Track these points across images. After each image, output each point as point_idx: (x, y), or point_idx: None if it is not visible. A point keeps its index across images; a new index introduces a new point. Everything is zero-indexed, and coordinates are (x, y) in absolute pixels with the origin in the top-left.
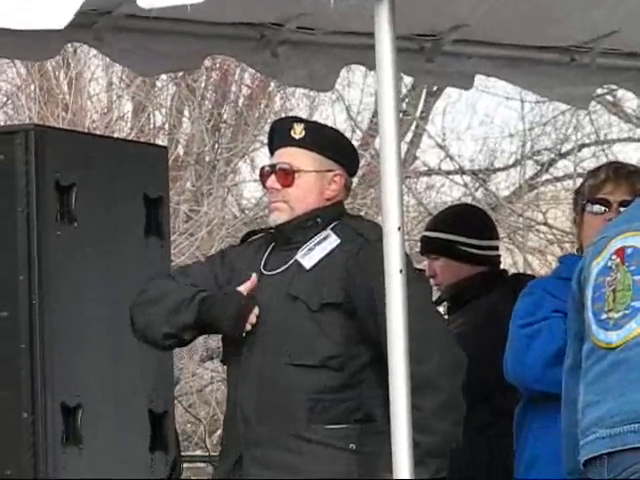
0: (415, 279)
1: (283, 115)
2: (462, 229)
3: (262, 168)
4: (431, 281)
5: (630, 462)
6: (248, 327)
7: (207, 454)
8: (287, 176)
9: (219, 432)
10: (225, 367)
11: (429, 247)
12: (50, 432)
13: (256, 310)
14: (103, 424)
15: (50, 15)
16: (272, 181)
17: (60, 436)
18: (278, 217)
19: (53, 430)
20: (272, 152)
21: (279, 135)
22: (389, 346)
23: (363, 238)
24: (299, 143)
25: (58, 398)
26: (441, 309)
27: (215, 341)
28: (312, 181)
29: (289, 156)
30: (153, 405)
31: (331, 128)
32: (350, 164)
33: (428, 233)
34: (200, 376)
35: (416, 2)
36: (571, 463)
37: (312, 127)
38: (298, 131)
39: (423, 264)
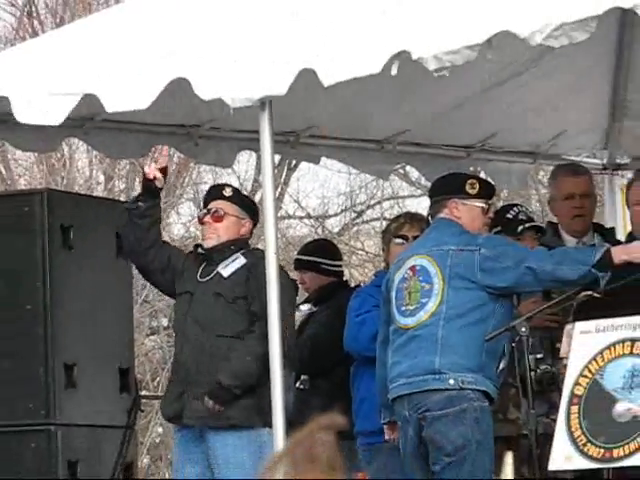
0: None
1: (197, 180)
2: (323, 254)
3: (200, 211)
4: (301, 286)
5: (419, 400)
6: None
7: (151, 394)
8: (219, 217)
9: (158, 379)
10: (172, 334)
11: (301, 265)
12: (57, 382)
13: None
14: (90, 376)
15: (48, 115)
16: (208, 218)
17: (63, 384)
18: (209, 242)
19: (59, 380)
20: (206, 203)
21: (215, 193)
22: (270, 328)
23: (257, 259)
24: (228, 199)
25: (61, 358)
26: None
27: (155, 322)
28: (233, 222)
29: (221, 205)
30: (121, 363)
31: (247, 195)
32: (255, 218)
33: (300, 256)
34: (145, 344)
35: (284, 110)
36: (384, 401)
37: (237, 191)
38: (228, 192)
39: (295, 275)
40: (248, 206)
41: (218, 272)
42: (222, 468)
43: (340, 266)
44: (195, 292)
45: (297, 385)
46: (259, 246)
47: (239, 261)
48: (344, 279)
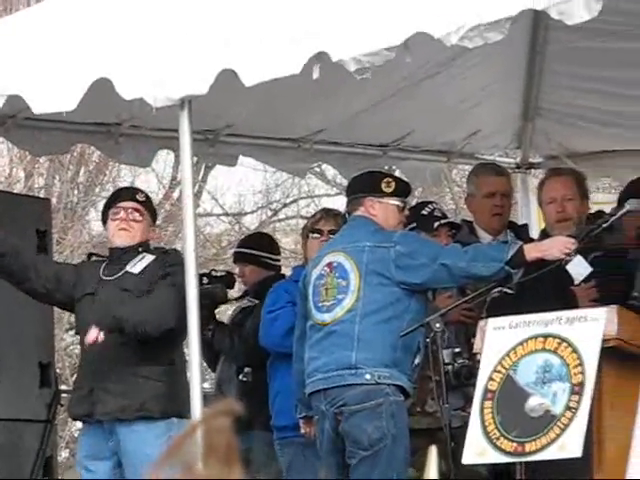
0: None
1: (116, 178)
2: (263, 247)
3: (119, 208)
4: (239, 279)
5: (336, 395)
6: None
7: (71, 388)
8: (138, 217)
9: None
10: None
11: (242, 258)
12: None
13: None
14: (11, 371)
15: None
16: (124, 215)
17: None
18: (124, 241)
19: None
20: (114, 204)
21: (128, 195)
22: (189, 323)
23: (167, 255)
24: (142, 203)
25: None
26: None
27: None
28: (146, 225)
29: (136, 207)
30: (41, 358)
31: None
32: (154, 225)
33: (240, 249)
34: (65, 339)
35: (203, 109)
36: (300, 395)
37: (148, 197)
38: (141, 197)
39: (231, 268)
40: (154, 213)
41: (127, 270)
42: (131, 461)
43: (279, 260)
44: (97, 292)
45: (240, 377)
46: (177, 244)
47: (147, 258)
48: (282, 273)
